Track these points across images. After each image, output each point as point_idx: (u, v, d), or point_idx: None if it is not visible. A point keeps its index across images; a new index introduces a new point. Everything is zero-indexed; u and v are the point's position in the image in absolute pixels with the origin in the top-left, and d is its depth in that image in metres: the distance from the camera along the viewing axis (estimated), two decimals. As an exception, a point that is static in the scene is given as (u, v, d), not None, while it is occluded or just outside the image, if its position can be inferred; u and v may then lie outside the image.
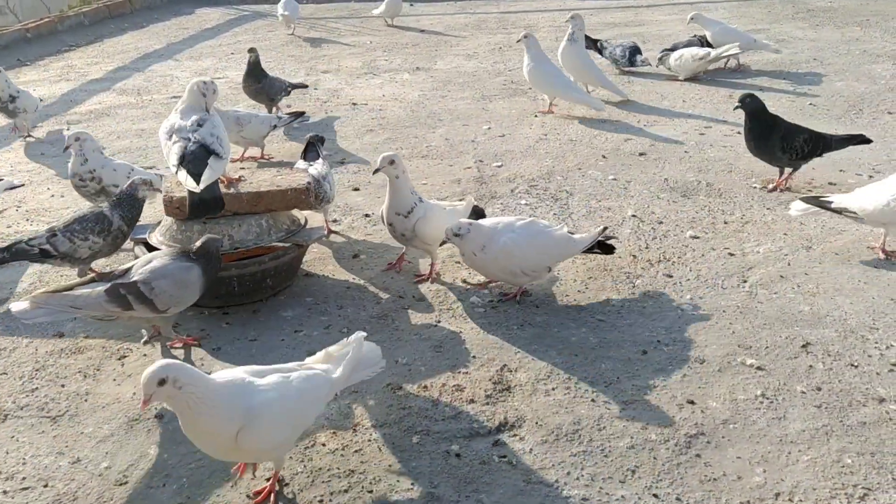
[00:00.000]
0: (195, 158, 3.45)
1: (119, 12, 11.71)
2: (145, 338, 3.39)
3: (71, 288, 3.07)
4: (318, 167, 4.27)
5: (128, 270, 3.16)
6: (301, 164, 4.38)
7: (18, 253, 3.56)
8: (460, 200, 4.08)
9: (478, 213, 4.02)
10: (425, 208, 3.74)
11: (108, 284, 3.07)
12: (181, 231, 3.69)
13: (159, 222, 3.91)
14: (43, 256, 3.56)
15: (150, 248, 3.73)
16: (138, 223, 4.13)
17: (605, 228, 3.69)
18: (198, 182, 3.37)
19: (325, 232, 4.19)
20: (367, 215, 4.63)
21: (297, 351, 3.29)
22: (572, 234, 3.66)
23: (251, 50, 6.33)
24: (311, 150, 4.50)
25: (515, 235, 3.49)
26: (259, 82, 6.24)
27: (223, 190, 3.67)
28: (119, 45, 9.91)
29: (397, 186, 3.69)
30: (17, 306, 3.00)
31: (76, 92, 7.68)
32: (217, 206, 3.52)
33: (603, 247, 3.70)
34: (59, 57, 9.32)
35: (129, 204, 3.71)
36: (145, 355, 3.31)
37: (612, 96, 6.66)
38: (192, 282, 3.18)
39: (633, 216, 4.46)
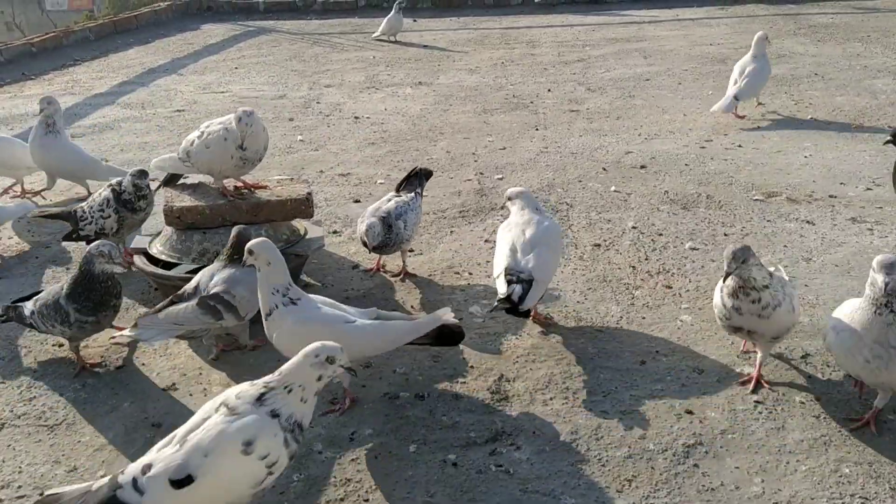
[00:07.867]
0: None
1: (125, 28, 11.79)
2: (213, 354, 3.33)
3: (161, 308, 3.14)
4: (394, 203, 3.77)
5: (196, 287, 3.16)
6: (386, 197, 3.89)
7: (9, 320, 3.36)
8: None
9: (451, 337, 2.99)
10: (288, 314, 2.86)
11: (197, 299, 3.10)
12: (181, 241, 3.71)
13: (159, 232, 3.93)
14: (33, 327, 3.32)
15: (151, 259, 3.75)
16: (138, 233, 4.15)
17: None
18: None
19: (402, 275, 3.94)
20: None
21: (296, 360, 3.29)
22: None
23: None
24: (412, 182, 3.99)
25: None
26: None
27: (220, 202, 3.70)
28: (124, 59, 9.98)
29: (260, 279, 2.90)
30: (127, 332, 3.08)
31: (80, 106, 7.72)
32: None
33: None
34: (64, 71, 9.38)
35: (84, 290, 3.10)
36: (144, 364, 3.32)
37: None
38: None
39: (633, 228, 4.46)
